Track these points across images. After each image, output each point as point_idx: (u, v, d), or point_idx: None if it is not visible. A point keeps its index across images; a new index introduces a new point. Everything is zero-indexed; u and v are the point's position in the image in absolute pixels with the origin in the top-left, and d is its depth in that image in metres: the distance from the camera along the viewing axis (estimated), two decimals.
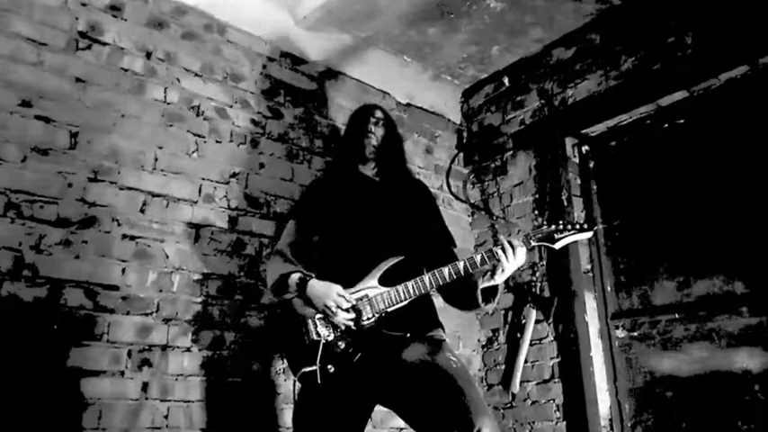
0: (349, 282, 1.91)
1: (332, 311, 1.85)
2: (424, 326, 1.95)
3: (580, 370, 2.85)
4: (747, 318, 2.48)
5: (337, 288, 1.87)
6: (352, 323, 1.85)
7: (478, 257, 1.78)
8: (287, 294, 1.99)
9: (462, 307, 2.01)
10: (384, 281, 1.88)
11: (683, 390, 2.63)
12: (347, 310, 1.85)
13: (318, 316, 1.92)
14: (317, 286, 1.90)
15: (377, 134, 2.24)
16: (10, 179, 2.08)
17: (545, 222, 1.87)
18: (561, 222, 1.83)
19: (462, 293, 1.93)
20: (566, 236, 1.81)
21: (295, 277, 1.96)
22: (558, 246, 1.82)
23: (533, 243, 1.81)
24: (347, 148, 2.30)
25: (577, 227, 1.81)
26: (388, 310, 1.85)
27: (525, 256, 1.81)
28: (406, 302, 1.84)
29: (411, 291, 1.83)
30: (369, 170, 2.24)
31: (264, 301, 2.59)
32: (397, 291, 1.84)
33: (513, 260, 1.77)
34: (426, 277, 1.82)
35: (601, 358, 2.88)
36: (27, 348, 2.00)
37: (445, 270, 1.80)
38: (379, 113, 2.31)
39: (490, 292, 1.90)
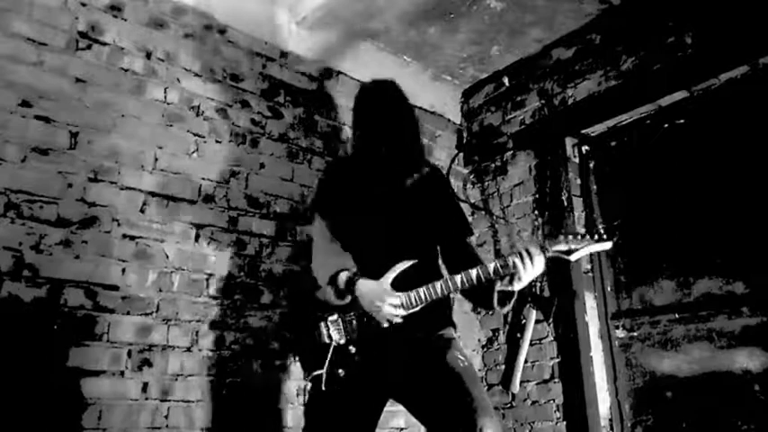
0: None
1: (377, 307, 1.81)
2: (436, 325, 1.93)
3: (580, 370, 2.85)
4: (747, 318, 2.48)
5: (386, 287, 1.82)
6: (399, 318, 1.81)
7: (492, 267, 1.75)
8: (338, 297, 1.93)
9: (475, 303, 1.99)
10: (397, 281, 1.85)
11: (683, 390, 2.63)
12: (395, 306, 1.81)
13: (331, 319, 1.91)
14: (364, 288, 1.85)
15: (371, 124, 2.04)
16: (10, 179, 2.08)
17: (561, 233, 1.79)
18: (579, 233, 1.74)
19: (477, 293, 1.89)
20: (582, 247, 1.72)
21: (343, 276, 1.91)
22: (573, 257, 1.75)
23: (549, 254, 1.74)
24: (353, 141, 2.16)
25: (596, 237, 1.72)
26: None
27: (543, 265, 1.74)
28: (416, 309, 1.82)
29: (422, 297, 1.81)
30: (376, 161, 2.04)
31: (264, 300, 2.59)
32: (409, 297, 1.81)
33: (531, 269, 1.72)
34: (438, 284, 1.80)
35: (601, 358, 2.88)
36: (27, 348, 2.00)
37: (457, 278, 1.78)
38: (371, 100, 2.10)
39: (506, 296, 1.86)
